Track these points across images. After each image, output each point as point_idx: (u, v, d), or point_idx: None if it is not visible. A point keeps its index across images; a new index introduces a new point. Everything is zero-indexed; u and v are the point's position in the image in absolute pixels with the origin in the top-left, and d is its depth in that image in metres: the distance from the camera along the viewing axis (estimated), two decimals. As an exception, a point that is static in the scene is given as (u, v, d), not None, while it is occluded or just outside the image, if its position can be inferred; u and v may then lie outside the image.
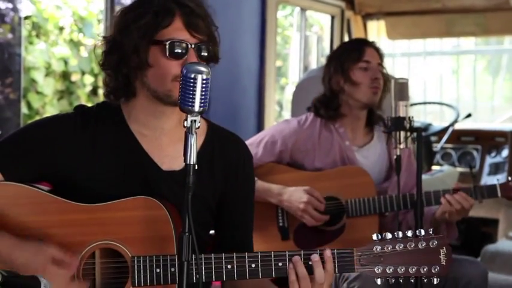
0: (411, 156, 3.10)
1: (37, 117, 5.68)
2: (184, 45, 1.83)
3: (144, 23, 1.83)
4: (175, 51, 1.82)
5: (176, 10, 1.83)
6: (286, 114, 6.45)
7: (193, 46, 1.83)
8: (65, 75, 6.34)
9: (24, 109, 5.91)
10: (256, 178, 2.88)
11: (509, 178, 2.76)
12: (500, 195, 2.76)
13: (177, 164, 1.86)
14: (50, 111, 6.09)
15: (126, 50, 1.84)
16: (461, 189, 2.77)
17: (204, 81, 1.60)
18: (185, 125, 1.61)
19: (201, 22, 1.84)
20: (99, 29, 6.26)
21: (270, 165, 3.03)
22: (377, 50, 3.06)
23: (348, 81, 3.00)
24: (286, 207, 2.90)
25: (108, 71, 1.90)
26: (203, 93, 1.60)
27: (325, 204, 2.90)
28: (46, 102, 6.17)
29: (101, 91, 6.12)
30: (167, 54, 1.82)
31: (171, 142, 1.92)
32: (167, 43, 1.82)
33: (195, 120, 1.61)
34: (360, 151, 3.05)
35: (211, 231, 2.08)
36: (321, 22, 6.29)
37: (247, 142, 3.07)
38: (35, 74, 6.03)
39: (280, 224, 2.94)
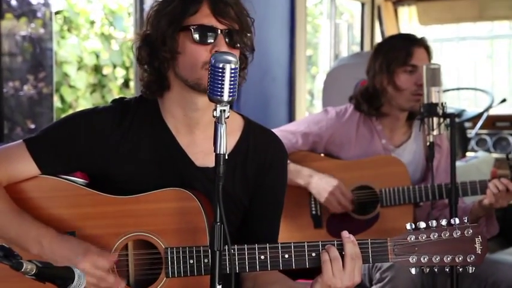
0: (449, 156, 3.06)
1: (70, 111, 5.75)
2: (211, 30, 1.82)
3: (170, 10, 1.84)
4: (202, 36, 1.82)
5: None
6: (318, 103, 6.43)
7: (222, 32, 1.83)
8: (97, 69, 6.41)
9: (57, 103, 5.99)
10: (288, 161, 2.89)
11: None
12: None
13: (211, 161, 1.86)
14: (83, 104, 6.17)
15: (155, 41, 1.85)
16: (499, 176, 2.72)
17: (233, 71, 1.59)
18: (214, 114, 1.61)
19: (230, 9, 1.84)
20: (129, 22, 6.31)
21: (304, 153, 3.01)
22: (427, 48, 2.97)
23: (392, 84, 2.94)
24: (313, 189, 2.87)
25: (143, 65, 1.91)
26: (232, 82, 1.59)
27: (359, 194, 2.88)
28: (79, 95, 6.25)
29: (132, 84, 6.16)
30: (194, 40, 1.82)
31: (205, 138, 1.91)
32: (193, 28, 1.82)
33: (224, 110, 1.61)
34: (395, 151, 3.02)
35: None
36: (351, 10, 6.24)
37: (281, 128, 3.09)
38: (67, 68, 6.10)
39: (313, 212, 2.94)
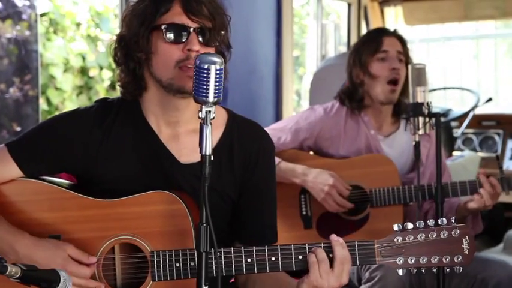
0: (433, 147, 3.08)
1: (56, 113, 5.71)
2: (182, 29, 1.81)
3: (142, 10, 1.84)
4: (174, 35, 1.81)
5: None
6: (305, 103, 6.42)
7: (194, 30, 1.82)
8: (83, 71, 6.37)
9: (43, 105, 5.96)
10: (279, 159, 2.88)
11: None
12: None
13: (195, 157, 1.86)
14: (69, 106, 6.13)
15: (129, 42, 1.85)
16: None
17: (218, 72, 1.58)
18: (200, 116, 1.60)
19: (202, 7, 1.82)
20: (115, 24, 6.28)
21: (294, 152, 3.01)
22: (398, 37, 3.01)
23: (367, 74, 2.98)
24: (310, 188, 2.86)
25: (120, 66, 1.91)
26: (217, 83, 1.59)
27: (349, 194, 2.87)
28: (65, 98, 6.21)
29: (119, 85, 6.12)
30: (166, 39, 1.81)
31: (188, 134, 1.91)
32: (165, 27, 1.81)
33: (209, 111, 1.60)
34: (385, 141, 3.02)
35: None
36: (338, 10, 6.24)
37: (271, 127, 3.09)
38: (54, 70, 6.06)
39: (304, 213, 2.93)
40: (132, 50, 1.85)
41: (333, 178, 2.82)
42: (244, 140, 1.97)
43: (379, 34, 3.04)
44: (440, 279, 2.39)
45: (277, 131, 3.04)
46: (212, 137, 1.61)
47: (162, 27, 1.81)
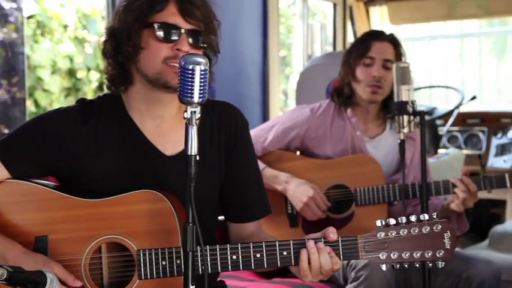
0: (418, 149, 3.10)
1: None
2: (175, 29, 1.84)
3: (138, 6, 1.86)
4: (166, 34, 1.83)
5: None
6: (292, 103, 6.44)
7: (185, 31, 1.84)
8: (71, 73, 6.35)
9: (31, 107, 5.93)
10: (265, 165, 2.90)
11: None
12: (509, 185, 2.74)
13: (179, 147, 1.87)
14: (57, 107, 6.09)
15: (121, 35, 1.87)
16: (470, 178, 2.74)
17: (202, 73, 1.59)
18: (185, 116, 1.61)
19: (196, 10, 1.85)
20: (103, 26, 6.26)
21: (279, 153, 3.02)
22: (391, 41, 3.02)
23: (352, 76, 3.02)
24: (290, 196, 2.89)
25: (108, 59, 1.92)
26: (202, 84, 1.59)
27: (334, 193, 2.90)
28: (53, 99, 6.19)
29: (106, 87, 6.11)
30: (157, 37, 1.83)
31: (172, 128, 1.93)
32: (157, 25, 1.83)
33: (195, 111, 1.61)
34: (371, 142, 3.04)
35: (221, 217, 2.09)
36: (324, 10, 6.26)
37: (258, 128, 3.10)
38: (41, 72, 6.04)
39: (289, 211, 2.94)
40: (121, 43, 1.87)
41: (313, 190, 2.85)
42: (222, 119, 2.00)
43: (370, 38, 3.05)
44: (426, 274, 2.40)
45: (265, 132, 3.05)
46: None
47: (155, 25, 1.84)
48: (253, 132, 3.06)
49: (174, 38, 1.83)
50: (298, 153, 3.10)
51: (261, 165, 2.88)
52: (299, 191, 2.86)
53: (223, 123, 1.99)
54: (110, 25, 1.92)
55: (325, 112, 3.06)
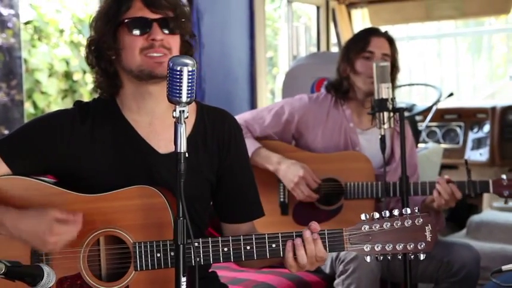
0: (413, 147, 3.14)
1: (42, 116, 5.66)
2: (144, 21, 1.86)
3: (106, 11, 1.89)
4: (137, 27, 1.86)
5: None
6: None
7: (154, 21, 1.86)
8: (67, 75, 6.34)
9: (30, 109, 5.92)
10: (260, 145, 2.90)
11: (503, 176, 2.71)
12: (492, 191, 2.72)
13: (173, 146, 1.88)
14: (55, 109, 6.07)
15: (98, 43, 1.89)
16: (455, 183, 2.73)
17: (190, 73, 1.59)
18: (174, 115, 1.61)
19: (162, 0, 1.87)
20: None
21: (275, 143, 3.02)
22: (387, 38, 3.04)
23: (352, 70, 3.02)
24: (281, 177, 2.88)
25: (94, 69, 1.94)
26: (189, 84, 1.60)
27: (325, 185, 2.90)
28: (51, 101, 6.17)
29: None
30: (130, 33, 1.86)
31: (164, 127, 1.93)
32: (127, 21, 1.86)
33: (183, 111, 1.61)
34: (363, 134, 3.05)
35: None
36: (308, 13, 6.27)
37: (257, 110, 3.15)
38: (39, 75, 6.02)
39: (281, 200, 2.94)
40: (102, 50, 1.89)
41: (303, 170, 2.84)
42: (216, 124, 2.00)
43: (369, 34, 3.07)
44: (407, 264, 2.41)
45: (264, 113, 3.06)
46: (186, 125, 1.63)
47: (125, 21, 1.86)
48: (253, 113, 3.11)
49: (146, 29, 1.86)
50: (293, 143, 3.09)
51: (256, 144, 2.91)
52: (290, 171, 2.85)
53: (216, 129, 1.99)
54: (88, 38, 1.94)
55: (322, 102, 3.08)
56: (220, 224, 2.08)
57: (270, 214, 2.89)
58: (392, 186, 2.80)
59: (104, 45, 1.88)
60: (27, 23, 5.95)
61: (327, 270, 2.87)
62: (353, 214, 2.84)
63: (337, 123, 3.03)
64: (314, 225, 1.77)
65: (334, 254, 2.79)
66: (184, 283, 1.59)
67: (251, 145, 2.86)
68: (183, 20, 1.91)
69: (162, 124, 1.93)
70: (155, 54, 1.85)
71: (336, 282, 2.74)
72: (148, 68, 1.84)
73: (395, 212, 1.76)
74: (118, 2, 1.88)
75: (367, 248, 1.76)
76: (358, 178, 2.87)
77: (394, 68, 2.98)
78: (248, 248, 1.78)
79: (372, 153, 2.95)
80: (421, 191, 2.78)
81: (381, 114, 2.56)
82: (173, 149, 1.86)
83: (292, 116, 3.03)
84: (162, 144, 1.93)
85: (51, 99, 6.18)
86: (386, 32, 3.09)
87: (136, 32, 1.86)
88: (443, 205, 2.72)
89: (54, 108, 6.11)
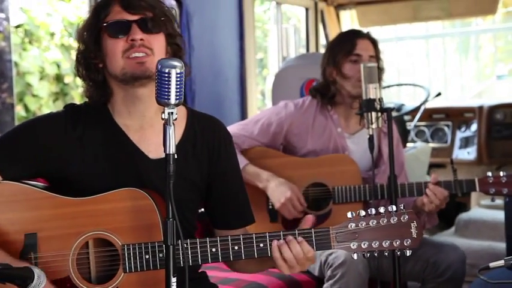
0: (399, 145, 3.11)
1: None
2: (123, 23, 1.86)
3: (87, 21, 1.90)
4: (116, 30, 1.86)
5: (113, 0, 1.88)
6: (269, 102, 6.43)
7: (133, 22, 1.85)
8: (58, 78, 6.31)
9: (22, 112, 5.89)
10: (247, 162, 2.89)
11: (488, 174, 2.71)
12: (479, 190, 2.72)
13: (163, 152, 1.87)
14: (46, 112, 6.05)
15: (85, 54, 1.89)
16: (442, 182, 2.73)
17: (178, 75, 1.59)
18: (163, 117, 1.61)
19: (139, 1, 1.87)
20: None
21: (263, 149, 3.00)
22: (372, 40, 3.02)
23: (339, 74, 2.99)
24: (269, 195, 2.87)
25: (85, 80, 1.94)
26: (178, 86, 1.59)
27: (313, 190, 2.89)
28: (42, 104, 6.15)
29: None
30: (110, 36, 1.86)
31: (154, 132, 1.92)
32: (106, 26, 1.86)
33: (172, 113, 1.61)
34: (351, 138, 3.03)
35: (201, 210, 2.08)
36: (298, 15, 6.27)
37: (244, 122, 3.09)
38: (30, 78, 6.00)
39: (270, 207, 2.93)
40: (89, 60, 1.89)
41: (291, 191, 2.82)
42: (206, 131, 1.99)
43: (354, 36, 3.03)
44: (396, 261, 2.41)
45: (251, 126, 3.02)
46: (175, 132, 1.62)
47: (105, 26, 1.86)
48: (239, 126, 3.06)
49: (125, 31, 1.85)
50: (281, 148, 3.07)
51: (243, 161, 2.88)
52: (278, 191, 2.84)
53: (206, 135, 1.99)
54: (75, 51, 1.94)
55: (308, 109, 3.05)
56: (213, 230, 2.07)
57: (260, 221, 2.88)
58: (380, 188, 2.80)
59: (90, 55, 1.88)
60: (17, 26, 5.92)
61: (316, 273, 2.87)
62: (343, 218, 2.83)
63: (325, 129, 3.01)
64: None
65: (322, 258, 2.79)
66: (175, 284, 1.59)
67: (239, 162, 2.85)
68: (163, 19, 1.90)
69: (152, 129, 1.92)
70: (136, 54, 1.84)
71: (324, 286, 2.74)
72: (130, 70, 1.83)
73: (381, 210, 1.77)
74: (98, 9, 1.89)
75: (353, 245, 1.76)
76: (345, 181, 2.86)
77: (379, 69, 2.96)
78: (236, 248, 1.78)
79: (360, 156, 2.94)
80: (408, 192, 2.78)
81: (369, 114, 2.56)
82: (163, 155, 1.86)
83: (281, 127, 3.01)
84: (153, 148, 1.92)
85: (43, 102, 6.16)
86: (368, 33, 3.07)
87: (116, 34, 1.85)
88: (434, 209, 2.72)
89: (46, 111, 6.09)
